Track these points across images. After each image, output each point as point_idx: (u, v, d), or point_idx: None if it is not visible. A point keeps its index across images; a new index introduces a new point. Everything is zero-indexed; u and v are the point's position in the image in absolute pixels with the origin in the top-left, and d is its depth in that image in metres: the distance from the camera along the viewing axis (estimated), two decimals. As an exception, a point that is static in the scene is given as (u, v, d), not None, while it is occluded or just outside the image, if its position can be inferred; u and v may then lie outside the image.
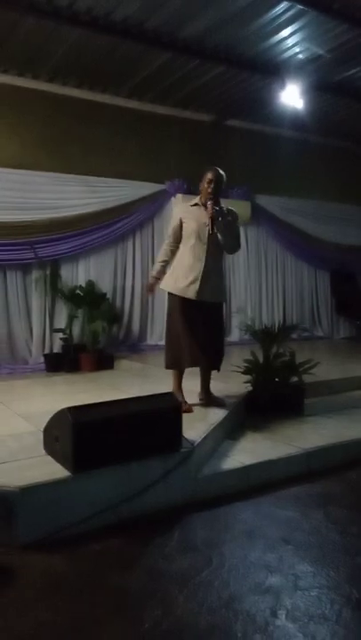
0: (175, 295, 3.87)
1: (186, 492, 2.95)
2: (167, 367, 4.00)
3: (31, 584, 2.24)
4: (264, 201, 7.99)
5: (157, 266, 4.08)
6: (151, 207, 7.08)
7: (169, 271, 3.99)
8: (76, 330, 6.41)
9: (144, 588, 2.20)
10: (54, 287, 6.34)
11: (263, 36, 5.36)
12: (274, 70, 5.94)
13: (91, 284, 6.49)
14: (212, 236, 3.76)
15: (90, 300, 6.27)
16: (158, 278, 4.04)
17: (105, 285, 6.72)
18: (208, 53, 5.68)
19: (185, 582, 2.22)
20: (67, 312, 6.35)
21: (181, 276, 3.83)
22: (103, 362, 6.07)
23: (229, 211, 3.92)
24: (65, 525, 2.54)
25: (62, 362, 6.03)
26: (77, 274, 6.64)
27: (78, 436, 2.63)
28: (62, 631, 1.94)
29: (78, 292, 6.34)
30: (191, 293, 3.78)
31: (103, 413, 2.78)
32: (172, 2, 4.71)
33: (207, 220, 3.72)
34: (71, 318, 6.30)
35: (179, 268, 3.88)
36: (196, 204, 3.91)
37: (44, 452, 2.93)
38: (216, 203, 3.79)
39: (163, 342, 7.03)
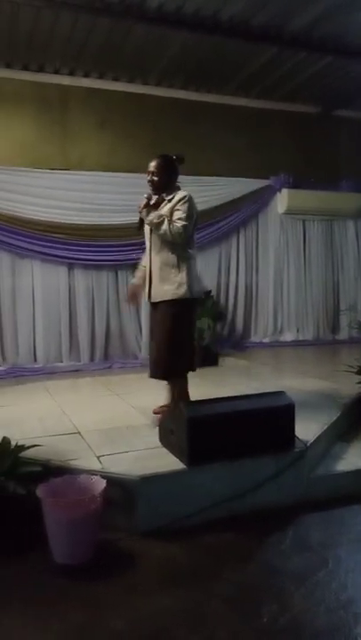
0: None
1: (298, 491, 2.93)
2: None
3: (151, 570, 2.35)
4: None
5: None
6: (256, 203, 7.05)
7: None
8: (182, 327, 6.55)
9: (260, 584, 2.23)
10: (162, 285, 6.54)
11: (374, 20, 5.12)
12: (386, 55, 5.66)
13: (196, 282, 6.60)
14: (152, 229, 3.45)
15: (195, 297, 6.38)
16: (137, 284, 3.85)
17: (209, 283, 6.79)
18: (315, 45, 5.53)
19: (301, 581, 2.22)
20: (173, 309, 6.52)
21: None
22: (208, 359, 6.11)
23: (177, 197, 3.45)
24: (181, 516, 2.63)
25: (169, 358, 6.20)
26: (183, 272, 6.78)
27: (193, 430, 2.71)
28: (182, 618, 2.03)
29: (184, 289, 6.48)
30: (146, 295, 3.61)
31: (216, 409, 2.85)
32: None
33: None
34: (178, 315, 6.45)
35: None
36: None
37: (159, 443, 3.06)
38: (157, 192, 3.50)
39: (267, 340, 7.14)
